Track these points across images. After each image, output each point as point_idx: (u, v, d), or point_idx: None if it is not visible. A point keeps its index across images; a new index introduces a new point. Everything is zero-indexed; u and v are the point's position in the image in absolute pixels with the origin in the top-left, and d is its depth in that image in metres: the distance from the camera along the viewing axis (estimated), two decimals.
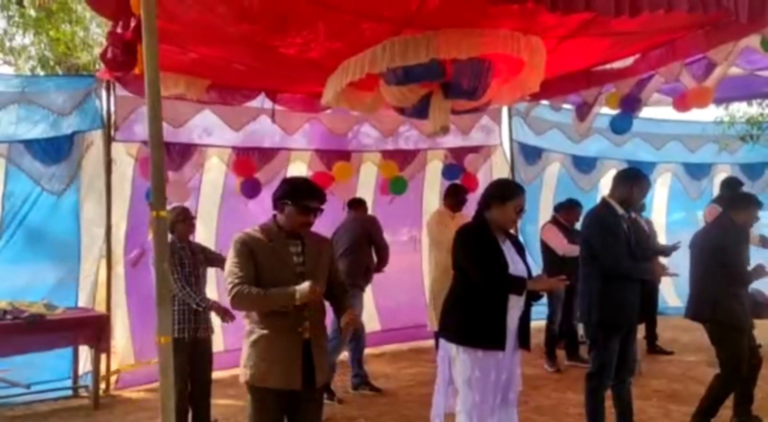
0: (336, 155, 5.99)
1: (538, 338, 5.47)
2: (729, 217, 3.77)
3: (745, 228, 3.79)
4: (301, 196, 2.58)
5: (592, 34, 3.63)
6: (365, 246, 4.88)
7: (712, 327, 3.71)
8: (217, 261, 3.97)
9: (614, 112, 5.10)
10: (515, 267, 2.89)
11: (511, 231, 3.22)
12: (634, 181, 3.44)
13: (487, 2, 2.51)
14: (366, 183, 6.31)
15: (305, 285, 2.42)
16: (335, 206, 5.14)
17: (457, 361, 2.90)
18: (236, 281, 2.48)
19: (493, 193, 2.98)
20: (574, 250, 5.29)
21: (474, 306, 2.86)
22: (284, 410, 2.57)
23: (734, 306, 3.61)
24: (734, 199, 4.01)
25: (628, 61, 4.32)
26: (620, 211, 3.39)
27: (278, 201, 2.62)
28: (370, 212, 5.34)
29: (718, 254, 3.65)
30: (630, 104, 4.88)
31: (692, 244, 3.88)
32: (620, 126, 5.13)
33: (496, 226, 2.95)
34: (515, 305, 2.87)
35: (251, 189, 5.31)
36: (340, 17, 3.20)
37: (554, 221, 5.75)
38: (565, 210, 5.77)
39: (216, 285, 4.79)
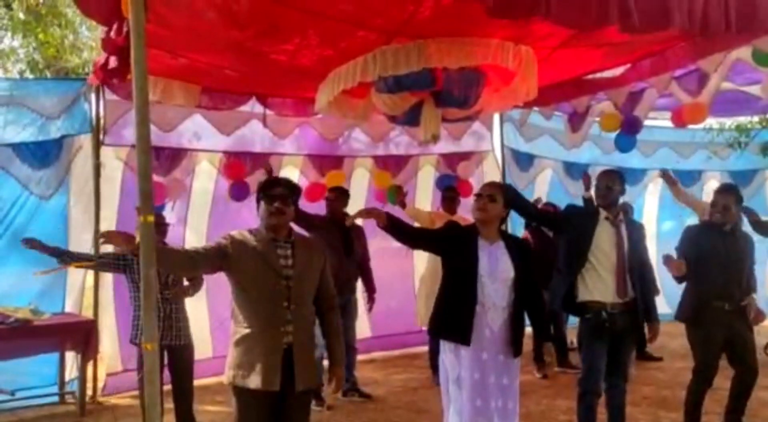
0: (328, 160, 5.99)
1: (527, 345, 5.50)
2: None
3: (712, 223, 3.76)
4: (264, 187, 2.64)
5: (585, 44, 3.65)
6: None
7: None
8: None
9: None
10: (491, 267, 2.90)
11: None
12: (596, 179, 3.54)
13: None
14: (358, 189, 6.29)
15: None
16: None
17: (446, 363, 2.97)
18: (188, 248, 2.59)
19: None
20: None
21: (446, 300, 2.99)
22: (269, 413, 2.55)
23: (689, 302, 3.75)
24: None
25: (619, 71, 4.35)
26: (605, 213, 3.43)
27: (257, 204, 2.67)
28: (361, 219, 5.30)
29: (680, 255, 3.80)
30: (631, 127, 4.93)
31: None
32: (625, 145, 5.20)
33: (482, 227, 3.02)
34: (494, 306, 2.88)
35: (240, 192, 5.29)
36: (331, 25, 3.20)
37: (534, 227, 5.78)
38: None
39: (205, 292, 4.76)
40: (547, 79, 4.16)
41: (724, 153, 7.72)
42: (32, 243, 3.92)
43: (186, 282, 3.94)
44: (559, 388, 5.01)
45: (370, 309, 5.09)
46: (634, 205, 6.81)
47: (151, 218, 2.20)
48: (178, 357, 3.82)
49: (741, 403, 3.78)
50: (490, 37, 3.32)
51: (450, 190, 5.45)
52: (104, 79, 4.03)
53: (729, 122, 7.69)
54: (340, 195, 4.93)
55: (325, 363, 4.78)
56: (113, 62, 2.96)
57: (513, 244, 3.07)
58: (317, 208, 5.29)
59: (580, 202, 6.67)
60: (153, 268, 2.23)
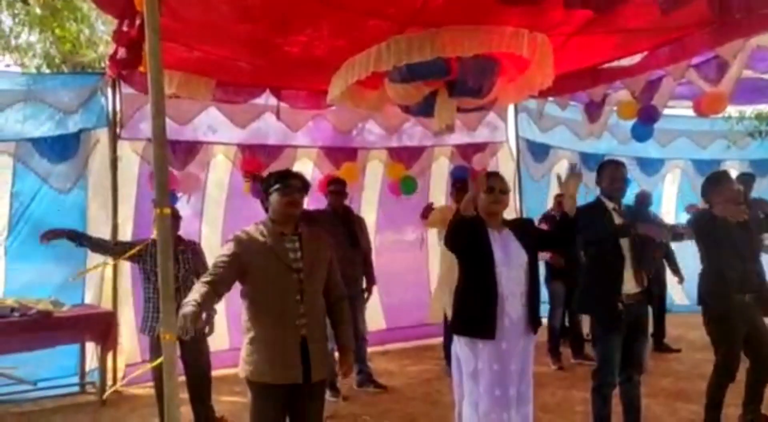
0: (342, 152, 6.00)
1: (542, 336, 5.49)
2: (707, 208, 3.76)
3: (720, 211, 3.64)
4: (281, 178, 2.64)
5: (600, 32, 3.60)
6: None
7: (703, 320, 3.74)
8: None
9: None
10: (506, 256, 2.89)
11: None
12: (602, 170, 3.48)
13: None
14: (372, 181, 6.30)
15: (183, 311, 2.26)
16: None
17: (461, 356, 2.95)
18: (207, 278, 2.48)
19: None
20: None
21: (466, 296, 2.95)
22: (285, 406, 2.57)
23: (713, 294, 3.64)
24: (701, 188, 3.82)
25: (636, 59, 4.29)
26: (611, 205, 3.41)
27: (265, 195, 2.67)
28: (375, 211, 5.29)
29: (697, 244, 3.75)
30: (648, 116, 4.85)
31: None
32: (642, 134, 5.12)
33: (488, 218, 3.00)
34: (512, 293, 2.87)
35: (260, 189, 5.29)
36: (343, 15, 3.19)
37: (547, 216, 5.74)
38: (555, 202, 5.80)
39: None
40: (562, 68, 4.11)
41: (744, 142, 7.59)
42: (49, 235, 3.92)
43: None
44: (574, 380, 4.99)
45: (365, 301, 5.03)
46: (652, 194, 6.75)
47: (167, 210, 2.23)
48: (192, 348, 3.85)
49: (758, 393, 3.74)
50: (504, 25, 3.29)
51: (459, 182, 5.39)
52: (116, 70, 4.07)
53: (749, 111, 7.56)
54: (343, 187, 4.91)
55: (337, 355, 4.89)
56: (122, 53, 2.98)
57: (516, 228, 3.07)
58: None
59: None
60: (170, 260, 2.25)
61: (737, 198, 3.69)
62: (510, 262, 2.89)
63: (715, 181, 3.76)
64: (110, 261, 4.46)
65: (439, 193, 6.58)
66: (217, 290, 2.47)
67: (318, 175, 5.80)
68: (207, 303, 2.42)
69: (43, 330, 4.28)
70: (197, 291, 2.41)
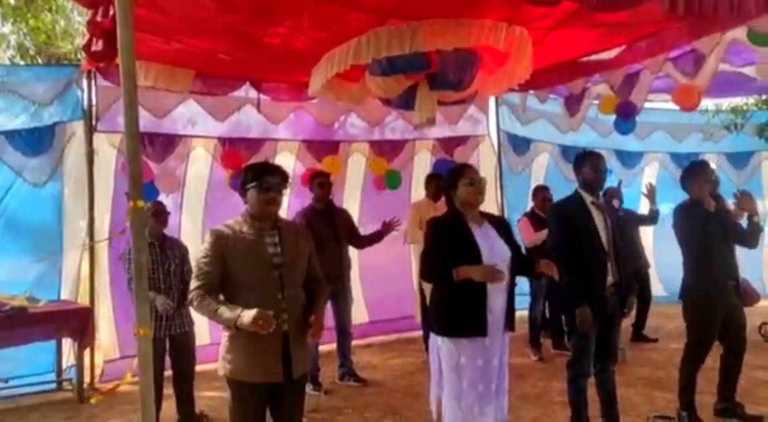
0: (324, 146, 5.96)
1: (523, 328, 5.54)
2: (687, 198, 3.80)
3: (702, 201, 3.68)
4: (259, 174, 2.57)
5: (579, 26, 3.62)
6: None
7: (682, 304, 3.79)
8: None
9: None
10: (491, 250, 2.87)
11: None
12: (582, 160, 3.45)
13: None
14: (354, 174, 6.28)
15: (251, 313, 2.31)
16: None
17: (443, 349, 2.93)
18: (198, 283, 2.47)
19: (445, 184, 3.08)
20: (540, 238, 5.10)
21: (452, 297, 2.89)
22: (265, 402, 2.56)
23: (697, 284, 3.67)
24: (681, 178, 3.87)
25: (615, 52, 4.31)
26: (589, 198, 3.39)
27: (243, 190, 2.61)
28: (357, 204, 5.25)
29: (677, 235, 3.79)
30: (626, 112, 4.88)
31: None
32: (624, 128, 5.15)
33: (467, 211, 2.97)
34: (497, 287, 2.86)
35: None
36: (324, 7, 3.16)
37: (530, 213, 5.74)
38: (534, 199, 5.78)
39: None
40: (542, 62, 4.13)
41: (719, 135, 7.69)
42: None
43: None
44: (555, 370, 5.03)
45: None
46: (630, 187, 6.79)
47: (141, 203, 2.19)
48: (183, 343, 3.84)
49: (732, 380, 3.80)
50: (483, 18, 3.28)
51: (435, 178, 5.33)
52: (93, 63, 4.00)
53: (725, 104, 7.67)
54: (327, 179, 4.86)
55: (322, 348, 4.89)
56: (96, 45, 2.92)
57: (496, 222, 3.05)
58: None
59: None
60: (145, 254, 2.23)
61: (709, 188, 3.75)
62: (495, 257, 2.86)
63: (691, 170, 3.82)
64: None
65: (420, 186, 6.53)
66: (213, 295, 2.48)
67: (300, 168, 5.77)
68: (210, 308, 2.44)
69: (18, 326, 4.20)
70: (207, 305, 2.43)
